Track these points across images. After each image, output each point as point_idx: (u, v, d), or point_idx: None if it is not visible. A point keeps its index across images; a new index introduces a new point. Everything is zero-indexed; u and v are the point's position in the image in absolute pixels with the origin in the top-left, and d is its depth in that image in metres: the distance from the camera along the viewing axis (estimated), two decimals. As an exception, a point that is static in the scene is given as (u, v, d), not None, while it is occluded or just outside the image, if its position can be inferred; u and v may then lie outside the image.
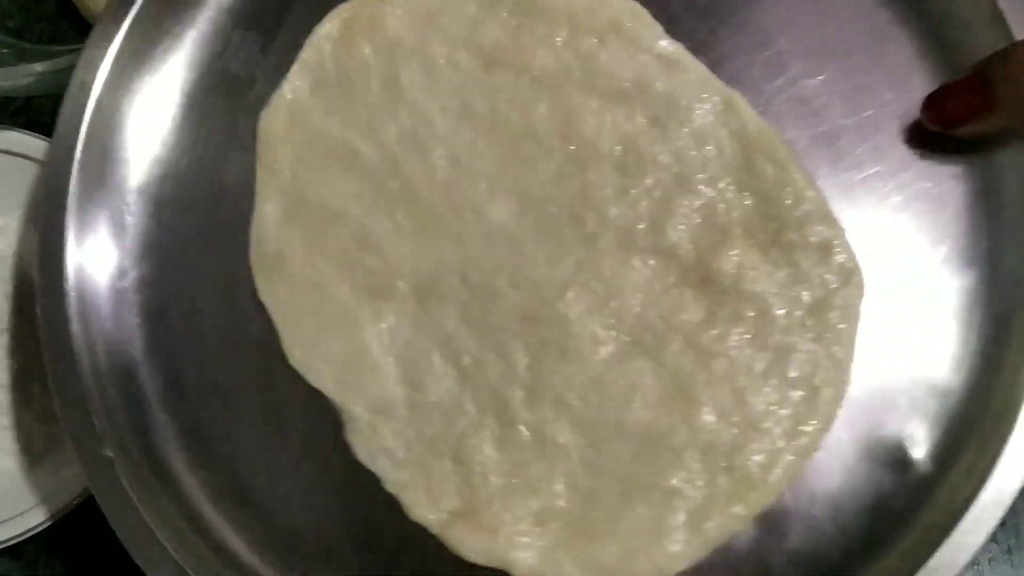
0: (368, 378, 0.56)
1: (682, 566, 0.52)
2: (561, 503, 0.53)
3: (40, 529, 0.63)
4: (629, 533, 0.52)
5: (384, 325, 0.56)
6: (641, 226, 0.55)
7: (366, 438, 0.55)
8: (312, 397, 0.56)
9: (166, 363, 0.59)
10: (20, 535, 0.63)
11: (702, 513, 0.52)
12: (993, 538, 0.62)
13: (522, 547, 0.53)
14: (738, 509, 0.52)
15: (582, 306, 0.54)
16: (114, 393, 0.58)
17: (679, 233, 0.54)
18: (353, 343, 0.56)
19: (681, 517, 0.52)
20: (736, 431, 0.53)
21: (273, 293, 0.57)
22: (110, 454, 0.56)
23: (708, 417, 0.53)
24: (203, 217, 0.60)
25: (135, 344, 0.59)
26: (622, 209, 0.55)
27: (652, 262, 0.54)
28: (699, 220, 0.54)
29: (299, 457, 0.57)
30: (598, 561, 0.52)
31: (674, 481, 0.52)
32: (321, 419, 0.57)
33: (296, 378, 0.57)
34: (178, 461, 0.58)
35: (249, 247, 0.58)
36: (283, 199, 0.58)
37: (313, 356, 0.56)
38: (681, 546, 0.52)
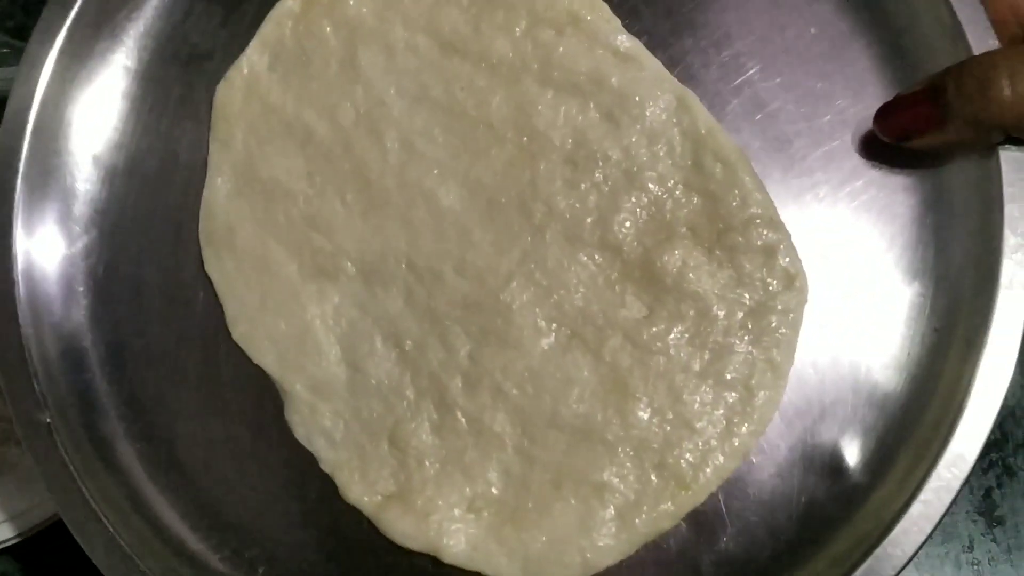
0: (310, 357, 0.57)
1: (610, 560, 0.54)
2: (494, 491, 0.55)
3: (39, 530, 0.66)
4: (559, 524, 0.54)
5: (328, 305, 0.58)
6: (588, 220, 0.56)
7: (305, 417, 0.57)
8: (253, 373, 0.58)
9: (109, 331, 0.60)
10: (20, 534, 0.66)
11: (632, 509, 0.54)
12: (993, 538, 0.65)
13: (453, 533, 0.55)
14: (668, 507, 0.54)
15: (525, 297, 0.56)
16: (56, 359, 0.59)
17: (625, 229, 0.56)
18: (297, 321, 0.58)
19: (611, 511, 0.54)
20: (670, 429, 0.55)
21: (220, 267, 0.59)
22: (49, 420, 0.57)
23: (643, 413, 0.55)
24: (154, 187, 0.61)
25: (80, 312, 0.60)
26: (570, 202, 0.57)
27: (597, 256, 0.56)
28: (646, 217, 0.56)
29: (238, 433, 0.58)
30: (527, 550, 0.54)
31: (606, 475, 0.54)
32: (261, 396, 0.59)
33: (238, 353, 0.59)
34: (117, 431, 0.59)
35: (198, 219, 0.60)
36: (235, 173, 0.60)
37: (256, 332, 0.58)
38: (610, 540, 0.54)
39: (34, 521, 0.67)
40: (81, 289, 0.60)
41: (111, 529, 0.56)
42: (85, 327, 0.60)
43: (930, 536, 0.52)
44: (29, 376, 0.58)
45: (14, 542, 0.66)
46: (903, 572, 0.52)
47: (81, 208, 0.61)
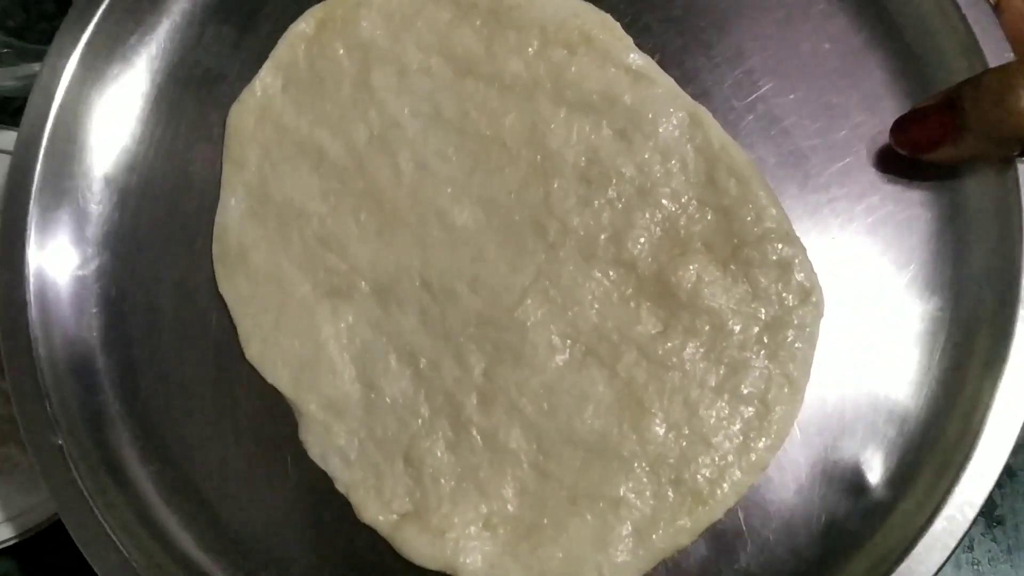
0: (324, 377, 0.60)
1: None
2: (510, 508, 0.57)
3: (39, 530, 0.68)
4: (576, 541, 0.56)
5: (343, 324, 0.60)
6: (602, 237, 0.59)
7: (319, 437, 0.59)
8: (267, 394, 0.61)
9: (122, 354, 0.62)
10: (20, 534, 0.68)
11: (649, 525, 0.56)
12: (993, 538, 0.66)
13: (469, 551, 0.56)
14: (685, 523, 0.56)
15: (540, 314, 0.58)
16: (69, 381, 0.61)
17: (639, 245, 0.59)
18: (311, 341, 0.60)
19: (628, 527, 0.56)
20: (686, 444, 0.56)
21: (233, 288, 0.61)
22: (61, 442, 0.59)
23: (659, 429, 0.57)
24: (167, 208, 0.64)
25: (92, 333, 0.63)
26: (584, 220, 0.59)
27: (611, 273, 0.58)
28: (660, 233, 0.59)
29: (251, 454, 0.60)
30: (544, 567, 0.56)
31: (622, 491, 0.56)
32: (275, 417, 0.61)
33: (252, 374, 0.61)
34: (130, 453, 0.61)
35: (212, 241, 0.62)
36: (248, 194, 0.62)
37: (270, 352, 0.60)
38: (627, 556, 0.56)
39: (34, 521, 0.68)
40: (94, 311, 0.63)
41: (123, 549, 0.58)
42: (97, 349, 0.62)
43: (954, 552, 0.54)
44: (41, 397, 0.60)
45: (14, 542, 0.68)
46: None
47: (94, 230, 0.64)
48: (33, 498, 0.69)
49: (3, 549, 0.69)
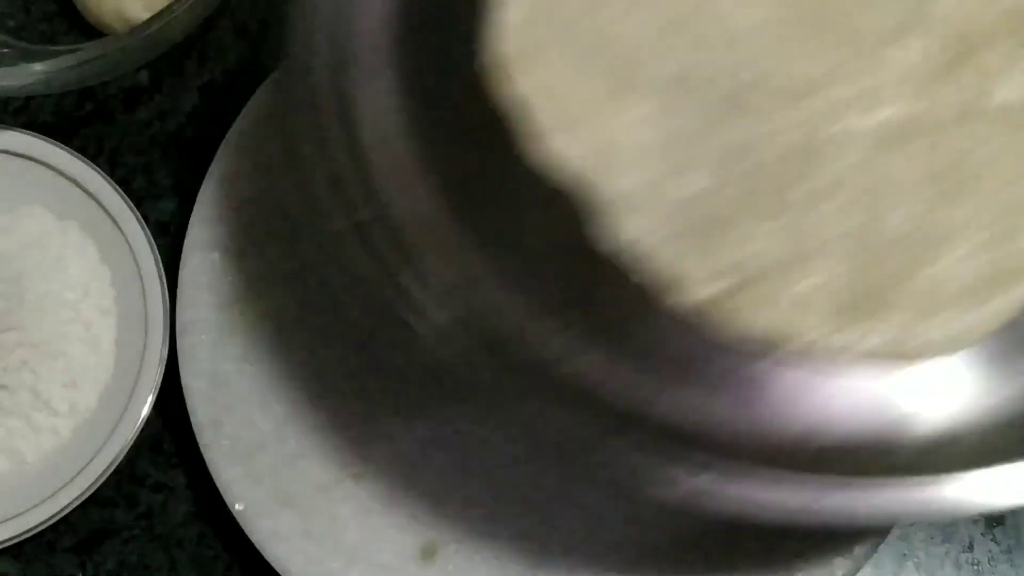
0: (621, 167, 0.59)
1: (971, 338, 0.56)
2: (830, 285, 0.56)
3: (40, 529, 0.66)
4: (898, 314, 0.56)
5: (634, 117, 0.60)
6: (892, 24, 0.61)
7: (621, 224, 0.58)
8: (553, 190, 0.59)
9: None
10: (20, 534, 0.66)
11: (971, 299, 0.56)
12: (993, 538, 0.67)
13: (797, 318, 0.55)
14: (1010, 294, 0.56)
15: (838, 105, 0.59)
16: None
17: (933, 39, 0.60)
18: (603, 134, 0.60)
19: (950, 301, 0.56)
20: (1004, 223, 0.57)
21: (519, 86, 0.61)
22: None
23: (973, 209, 0.57)
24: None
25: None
26: (874, 16, 0.61)
27: (909, 57, 0.60)
28: (955, 26, 0.60)
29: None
30: (868, 341, 0.55)
31: (941, 268, 0.56)
32: (562, 214, 0.59)
33: (537, 172, 0.59)
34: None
35: (490, 45, 0.62)
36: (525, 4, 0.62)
37: (563, 147, 0.59)
38: (953, 329, 0.55)
39: (35, 520, 0.66)
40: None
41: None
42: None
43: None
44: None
45: (14, 542, 0.66)
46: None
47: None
48: (34, 498, 0.66)
49: (3, 549, 0.66)
